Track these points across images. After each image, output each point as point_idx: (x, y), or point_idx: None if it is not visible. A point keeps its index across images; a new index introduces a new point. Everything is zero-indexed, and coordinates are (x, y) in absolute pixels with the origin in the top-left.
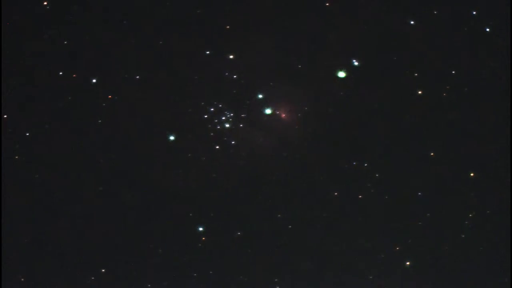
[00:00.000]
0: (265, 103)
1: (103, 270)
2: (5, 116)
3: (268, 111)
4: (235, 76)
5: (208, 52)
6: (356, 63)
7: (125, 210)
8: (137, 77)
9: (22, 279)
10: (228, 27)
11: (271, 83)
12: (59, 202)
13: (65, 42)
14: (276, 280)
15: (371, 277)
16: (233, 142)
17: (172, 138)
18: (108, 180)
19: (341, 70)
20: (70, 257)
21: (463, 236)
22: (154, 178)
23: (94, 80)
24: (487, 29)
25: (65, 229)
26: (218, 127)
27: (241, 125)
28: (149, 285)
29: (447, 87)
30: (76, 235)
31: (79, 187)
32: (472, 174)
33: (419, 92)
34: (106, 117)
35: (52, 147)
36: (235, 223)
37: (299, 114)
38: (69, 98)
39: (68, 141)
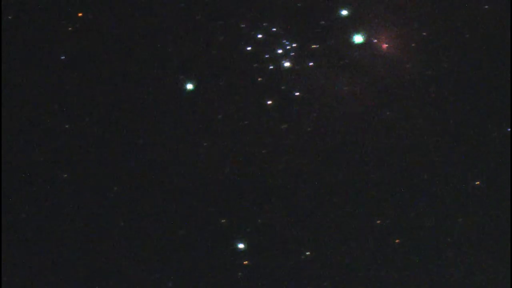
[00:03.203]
0: (352, 26)
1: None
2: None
3: (358, 39)
4: None
5: None
6: None
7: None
8: None
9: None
10: None
11: None
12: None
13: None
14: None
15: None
16: (297, 93)
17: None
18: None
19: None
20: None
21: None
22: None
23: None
24: None
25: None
26: (271, 67)
27: (311, 64)
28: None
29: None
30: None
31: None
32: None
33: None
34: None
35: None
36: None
37: (413, 44)
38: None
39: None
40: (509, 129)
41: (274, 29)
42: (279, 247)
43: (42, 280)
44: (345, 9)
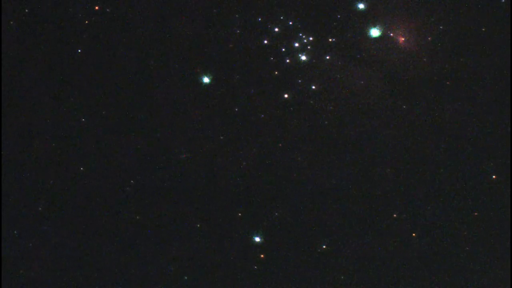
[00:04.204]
0: (369, 19)
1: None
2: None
3: (375, 32)
4: None
5: None
6: None
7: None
8: None
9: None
10: None
11: None
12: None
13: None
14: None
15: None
16: (313, 87)
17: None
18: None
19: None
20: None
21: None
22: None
23: None
24: None
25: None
26: (288, 60)
27: (327, 57)
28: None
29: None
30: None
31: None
32: None
33: None
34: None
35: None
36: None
37: (430, 38)
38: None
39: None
40: None
41: (291, 23)
42: (295, 241)
43: (61, 270)
44: (362, 3)
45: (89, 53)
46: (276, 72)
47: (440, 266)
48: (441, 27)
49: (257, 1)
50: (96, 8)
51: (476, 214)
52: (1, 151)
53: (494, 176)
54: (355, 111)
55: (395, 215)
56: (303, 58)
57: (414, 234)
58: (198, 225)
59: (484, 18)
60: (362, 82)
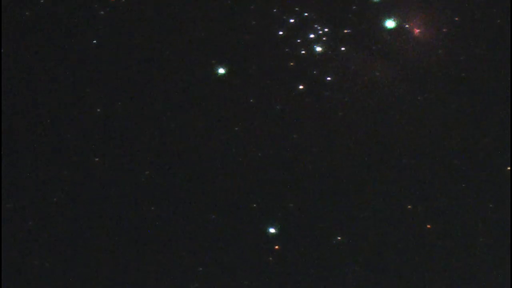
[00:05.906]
0: (384, 10)
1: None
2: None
3: (390, 24)
4: None
5: None
6: None
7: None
8: None
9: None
10: None
11: None
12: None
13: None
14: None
15: None
16: (328, 78)
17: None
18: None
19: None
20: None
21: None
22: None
23: None
24: None
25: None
26: (303, 51)
27: (343, 48)
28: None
29: None
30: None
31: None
32: None
33: None
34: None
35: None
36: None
37: (445, 29)
38: None
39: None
40: None
41: (306, 14)
42: (310, 232)
43: (74, 262)
44: None
45: (104, 44)
46: (291, 63)
47: (455, 257)
48: (456, 19)
49: None
50: None
51: (491, 206)
52: (16, 143)
53: (508, 168)
54: (370, 103)
55: (409, 207)
56: (318, 49)
57: (429, 226)
58: (213, 216)
59: (500, 9)
60: (377, 74)
